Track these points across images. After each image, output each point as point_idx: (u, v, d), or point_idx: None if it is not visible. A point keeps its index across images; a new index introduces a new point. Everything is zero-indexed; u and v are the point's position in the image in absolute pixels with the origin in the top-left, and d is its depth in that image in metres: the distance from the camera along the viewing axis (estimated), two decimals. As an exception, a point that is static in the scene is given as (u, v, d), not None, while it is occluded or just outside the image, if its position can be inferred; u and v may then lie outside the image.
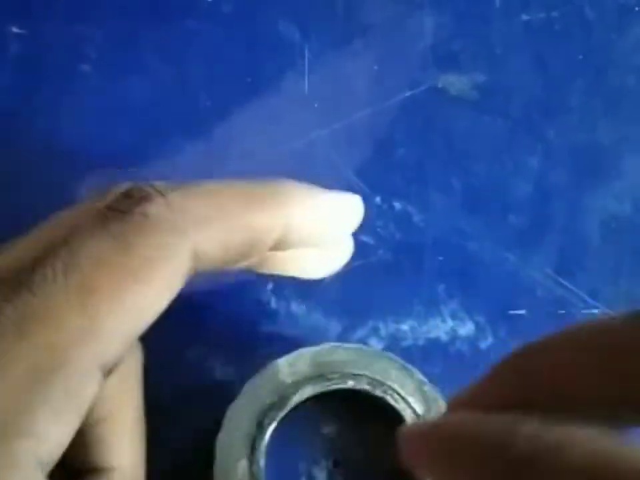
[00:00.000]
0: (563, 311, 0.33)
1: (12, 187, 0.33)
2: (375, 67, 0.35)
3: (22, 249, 0.23)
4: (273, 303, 0.32)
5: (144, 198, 0.23)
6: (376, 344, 0.32)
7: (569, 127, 0.35)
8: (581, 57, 0.36)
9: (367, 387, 0.29)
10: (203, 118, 0.34)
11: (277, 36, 0.35)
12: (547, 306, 0.33)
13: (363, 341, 0.32)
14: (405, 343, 0.32)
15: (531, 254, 0.34)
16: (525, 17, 0.36)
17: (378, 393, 0.29)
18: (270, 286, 0.32)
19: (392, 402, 0.29)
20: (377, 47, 0.35)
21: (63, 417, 0.21)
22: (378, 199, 0.34)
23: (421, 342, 0.33)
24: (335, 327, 0.32)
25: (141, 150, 0.33)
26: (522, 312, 0.33)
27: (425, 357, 0.32)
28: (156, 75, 0.34)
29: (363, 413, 0.30)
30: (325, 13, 0.35)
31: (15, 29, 0.34)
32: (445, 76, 0.35)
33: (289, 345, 0.29)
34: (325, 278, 0.30)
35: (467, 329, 0.33)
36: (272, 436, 0.28)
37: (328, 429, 0.30)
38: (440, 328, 0.33)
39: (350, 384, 0.29)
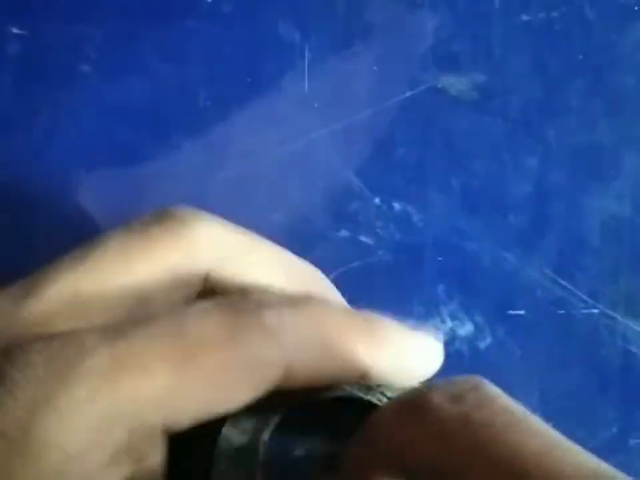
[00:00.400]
0: (563, 311, 0.33)
1: (11, 187, 0.33)
2: (375, 67, 0.35)
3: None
4: (273, 303, 0.32)
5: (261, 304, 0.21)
6: (375, 344, 0.32)
7: (569, 127, 0.35)
8: (580, 57, 0.36)
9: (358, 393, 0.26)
10: (202, 118, 0.34)
11: (277, 36, 0.35)
12: (546, 306, 0.33)
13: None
14: (404, 343, 0.32)
15: (531, 254, 0.34)
16: (524, 17, 0.36)
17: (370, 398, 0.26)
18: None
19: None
20: (377, 47, 0.35)
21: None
22: (377, 200, 0.34)
23: (420, 342, 0.33)
24: (334, 327, 0.32)
25: (141, 150, 0.33)
26: (521, 312, 0.33)
27: (424, 357, 0.32)
28: (156, 75, 0.34)
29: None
30: (325, 13, 0.35)
31: (15, 30, 0.34)
32: (444, 76, 0.35)
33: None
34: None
35: (466, 329, 0.33)
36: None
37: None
38: (439, 328, 0.33)
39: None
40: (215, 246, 0.23)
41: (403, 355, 0.24)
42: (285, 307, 0.21)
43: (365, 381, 0.23)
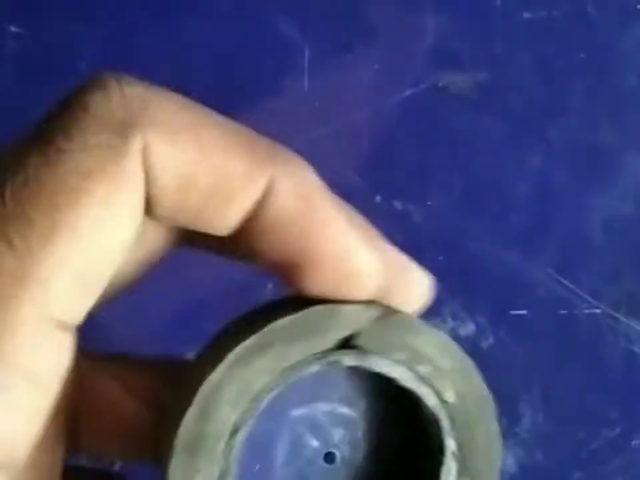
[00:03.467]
0: (565, 311, 0.33)
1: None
2: (376, 66, 0.35)
3: None
4: (273, 303, 0.32)
5: (90, 86, 0.17)
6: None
7: (571, 126, 0.35)
8: (582, 55, 0.35)
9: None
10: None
11: (278, 35, 0.35)
12: (548, 306, 0.33)
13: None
14: (405, 343, 0.32)
15: (532, 254, 0.34)
16: (526, 16, 0.36)
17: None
18: (270, 286, 0.32)
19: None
20: (378, 45, 0.35)
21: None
22: (378, 198, 0.34)
23: (421, 342, 0.32)
24: (335, 327, 0.32)
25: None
26: (523, 312, 0.33)
27: (425, 357, 0.32)
28: (155, 74, 0.34)
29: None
30: (325, 12, 0.35)
31: (13, 28, 0.34)
32: (446, 75, 0.35)
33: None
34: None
35: (467, 329, 0.33)
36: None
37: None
38: (441, 328, 0.33)
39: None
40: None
41: (315, 199, 0.19)
42: (138, 89, 0.18)
43: (259, 218, 0.18)
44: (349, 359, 0.19)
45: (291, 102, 0.34)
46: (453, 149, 0.34)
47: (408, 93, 0.35)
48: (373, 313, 0.19)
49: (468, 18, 0.36)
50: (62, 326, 0.17)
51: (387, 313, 0.20)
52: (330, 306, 0.19)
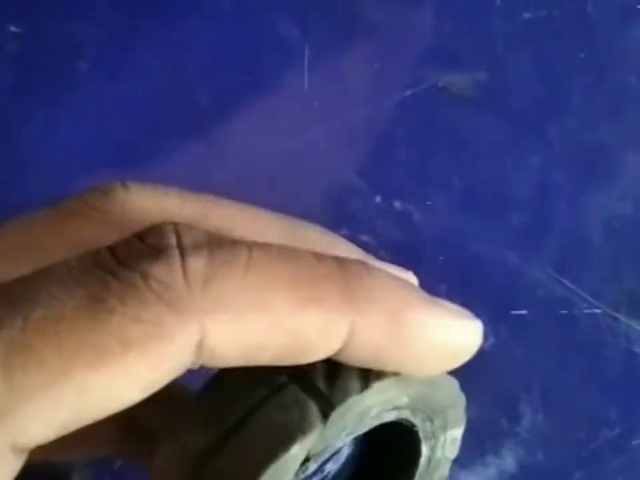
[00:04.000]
0: (565, 311, 0.33)
1: (9, 187, 0.33)
2: (375, 66, 0.35)
3: None
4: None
5: (161, 250, 0.16)
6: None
7: (571, 125, 0.35)
8: (582, 55, 0.35)
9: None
10: (202, 117, 0.34)
11: (277, 35, 0.35)
12: (548, 306, 0.33)
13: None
14: (405, 343, 0.32)
15: (532, 253, 0.34)
16: (526, 15, 0.36)
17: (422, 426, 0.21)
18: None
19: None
20: (377, 45, 0.35)
21: None
22: (378, 199, 0.34)
23: (421, 342, 0.32)
24: (335, 327, 0.32)
25: (141, 149, 0.33)
26: (523, 312, 0.33)
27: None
28: (155, 74, 0.34)
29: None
30: (325, 12, 0.35)
31: (13, 28, 0.34)
32: (445, 74, 0.35)
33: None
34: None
35: (467, 329, 0.33)
36: None
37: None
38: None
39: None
40: (148, 214, 0.19)
41: (401, 322, 0.17)
42: (203, 256, 0.16)
43: (344, 358, 0.17)
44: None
45: (291, 102, 0.34)
46: (453, 149, 0.34)
47: (408, 92, 0.35)
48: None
49: (468, 18, 0.36)
50: (20, 450, 0.16)
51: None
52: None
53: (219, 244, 0.17)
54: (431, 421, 0.20)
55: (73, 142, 0.33)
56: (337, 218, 0.33)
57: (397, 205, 0.34)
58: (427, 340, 0.18)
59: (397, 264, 0.33)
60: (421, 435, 0.20)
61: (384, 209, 0.34)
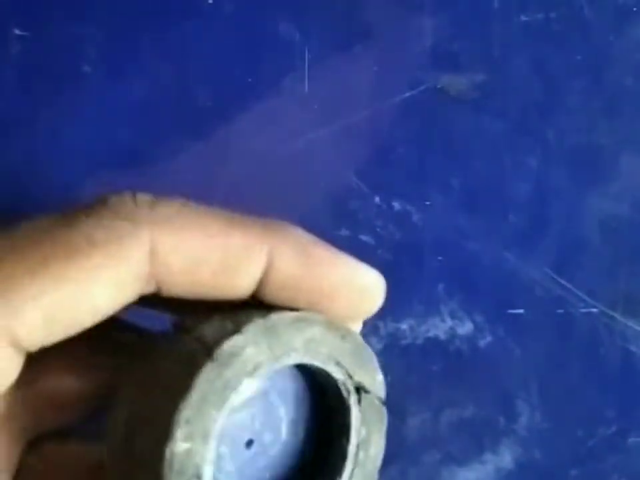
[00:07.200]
0: (562, 311, 0.33)
1: (12, 188, 0.33)
2: (375, 68, 0.35)
3: None
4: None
5: (111, 193, 0.21)
6: (375, 343, 0.32)
7: (568, 127, 0.35)
8: (579, 57, 0.36)
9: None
10: (203, 118, 0.34)
11: (277, 36, 0.35)
12: (545, 305, 0.33)
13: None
14: (404, 342, 0.33)
15: (530, 253, 0.34)
16: (523, 18, 0.36)
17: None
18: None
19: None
20: (377, 47, 0.35)
21: None
22: (377, 199, 0.34)
23: (420, 341, 0.33)
24: (334, 326, 0.32)
25: (142, 150, 0.33)
26: (520, 311, 0.33)
27: (424, 356, 0.32)
28: (156, 75, 0.34)
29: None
30: (325, 14, 0.35)
31: (17, 31, 0.34)
32: (444, 76, 0.35)
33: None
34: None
35: (465, 328, 0.33)
36: None
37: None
38: (439, 327, 0.33)
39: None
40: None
41: (312, 256, 0.22)
42: (147, 196, 0.21)
43: (263, 290, 0.21)
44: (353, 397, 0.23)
45: (291, 102, 0.35)
46: (452, 150, 0.35)
47: (407, 94, 0.35)
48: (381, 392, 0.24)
49: (466, 20, 0.36)
50: (17, 345, 0.19)
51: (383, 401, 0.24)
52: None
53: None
54: (351, 377, 0.23)
55: (77, 143, 0.33)
56: (337, 218, 0.33)
57: (396, 205, 0.34)
58: (334, 275, 0.22)
59: (396, 264, 0.33)
60: (344, 392, 0.23)
61: (383, 210, 0.34)
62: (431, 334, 0.33)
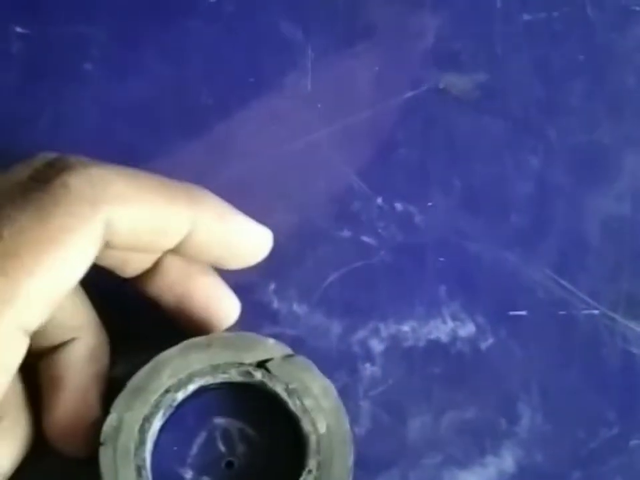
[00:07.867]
0: (564, 312, 0.33)
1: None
2: (377, 67, 0.35)
3: None
4: (275, 304, 0.32)
5: (66, 168, 0.25)
6: (377, 345, 0.32)
7: (570, 126, 0.35)
8: (582, 57, 0.36)
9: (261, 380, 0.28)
10: (204, 117, 0.34)
11: (279, 36, 0.35)
12: (547, 307, 0.33)
13: (364, 342, 0.32)
14: (405, 344, 0.33)
15: (532, 254, 0.34)
16: (526, 17, 0.36)
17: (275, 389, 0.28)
18: (272, 286, 0.32)
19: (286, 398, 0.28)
20: (379, 47, 0.35)
21: None
22: (379, 200, 0.34)
23: (421, 343, 0.33)
24: (336, 327, 0.32)
25: (142, 149, 0.33)
26: (522, 313, 0.33)
27: (425, 358, 0.32)
28: (158, 74, 0.34)
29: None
30: (327, 13, 0.35)
31: (18, 29, 0.34)
32: (446, 76, 0.35)
33: (291, 345, 0.29)
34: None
35: (467, 329, 0.33)
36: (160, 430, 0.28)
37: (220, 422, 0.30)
38: (441, 329, 0.33)
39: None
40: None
41: (226, 221, 0.28)
42: (96, 168, 0.26)
43: (186, 248, 0.27)
44: (259, 375, 0.28)
45: (293, 102, 0.34)
46: (454, 150, 0.34)
47: (409, 94, 0.35)
48: (285, 350, 0.28)
49: (468, 20, 0.36)
50: (27, 332, 0.24)
51: (293, 354, 0.28)
52: (259, 336, 0.28)
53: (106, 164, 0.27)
54: (242, 363, 0.28)
55: (77, 141, 0.33)
56: (339, 219, 0.33)
57: (398, 206, 0.34)
58: (242, 234, 0.29)
59: (398, 265, 0.33)
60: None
61: (385, 210, 0.34)
62: (432, 336, 0.33)
